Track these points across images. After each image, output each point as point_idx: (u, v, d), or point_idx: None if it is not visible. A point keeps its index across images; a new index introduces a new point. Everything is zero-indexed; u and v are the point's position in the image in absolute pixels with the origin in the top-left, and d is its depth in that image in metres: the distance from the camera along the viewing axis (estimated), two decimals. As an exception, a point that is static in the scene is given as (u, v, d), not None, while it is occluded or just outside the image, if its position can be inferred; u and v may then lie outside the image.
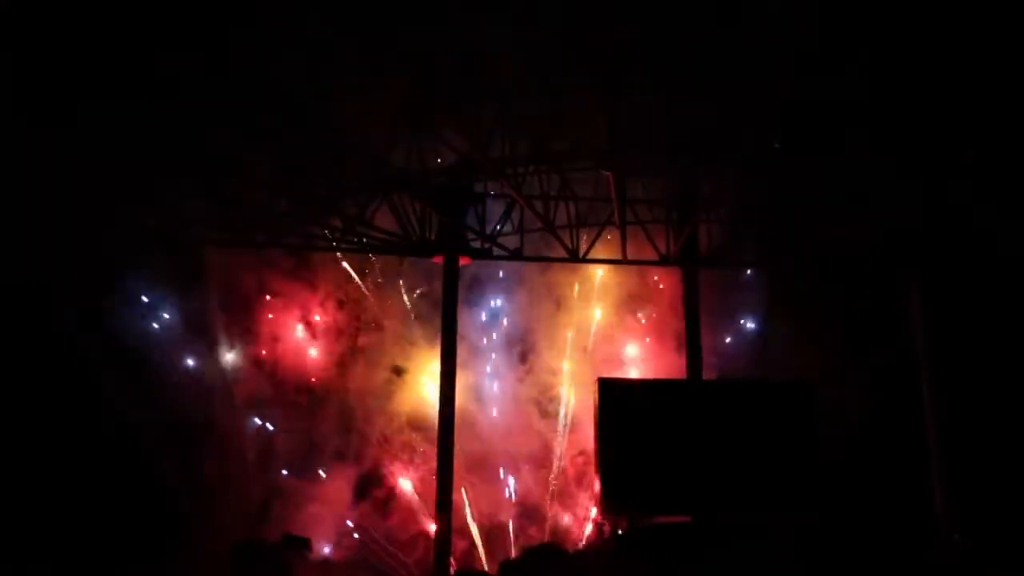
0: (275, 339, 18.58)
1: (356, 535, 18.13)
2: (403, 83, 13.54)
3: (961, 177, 13.63)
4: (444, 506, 15.47)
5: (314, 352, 18.88)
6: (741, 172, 14.75)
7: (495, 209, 16.71)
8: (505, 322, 19.59)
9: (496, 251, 16.51)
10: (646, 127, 13.67)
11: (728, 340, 19.13)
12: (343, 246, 16.64)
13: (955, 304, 15.35)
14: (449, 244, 16.15)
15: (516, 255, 16.60)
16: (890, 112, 12.64)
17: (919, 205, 14.43)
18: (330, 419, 18.63)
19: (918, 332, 15.63)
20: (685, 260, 16.31)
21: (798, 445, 13.43)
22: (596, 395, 13.54)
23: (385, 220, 16.09)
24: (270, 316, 18.55)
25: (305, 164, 15.17)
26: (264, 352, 18.57)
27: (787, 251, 16.29)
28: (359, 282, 18.99)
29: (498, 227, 16.54)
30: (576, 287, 19.26)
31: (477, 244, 16.44)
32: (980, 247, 14.64)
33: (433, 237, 16.11)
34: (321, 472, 18.30)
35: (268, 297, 18.52)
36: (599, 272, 19.02)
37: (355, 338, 18.88)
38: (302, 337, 18.82)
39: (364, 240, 16.26)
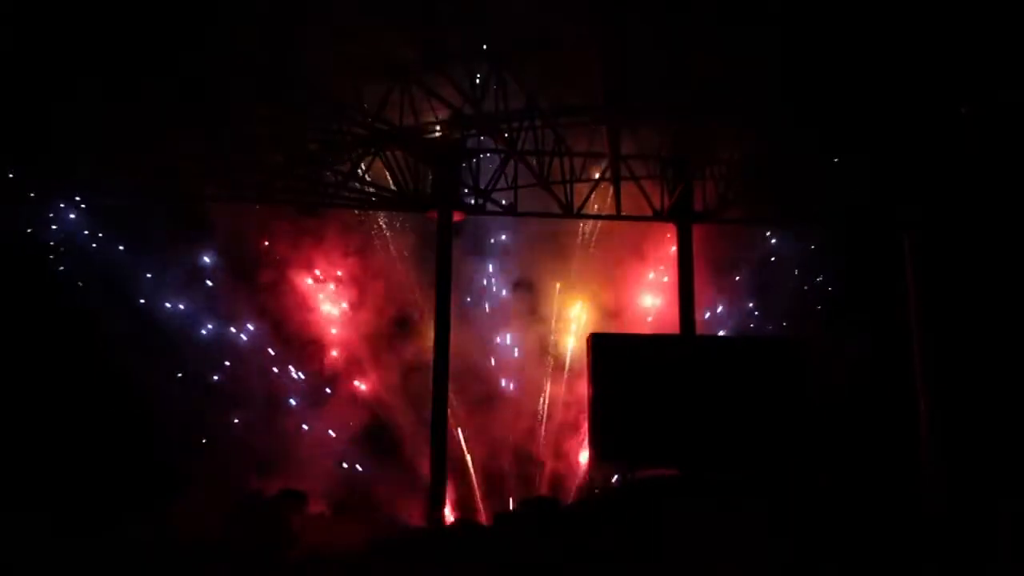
0: (279, 289, 18.61)
1: (355, 485, 18.36)
2: (397, 37, 13.33)
3: (960, 133, 13.49)
4: (438, 456, 15.64)
5: (319, 301, 18.95)
6: (737, 127, 14.58)
7: (490, 164, 16.60)
8: (509, 271, 19.67)
9: (490, 206, 16.45)
10: (642, 81, 13.50)
11: (725, 296, 19.13)
12: (336, 202, 16.57)
13: (948, 261, 15.29)
14: (443, 200, 16.11)
15: (510, 210, 16.55)
16: (890, 65, 12.45)
17: (917, 164, 14.29)
18: (333, 369, 18.78)
19: (911, 288, 15.62)
20: (679, 216, 16.22)
21: (792, 403, 13.25)
22: (588, 351, 13.53)
23: (379, 175, 16.04)
24: (275, 266, 18.58)
25: (298, 120, 15.04)
26: (268, 302, 18.62)
27: (784, 208, 16.19)
28: (364, 233, 19.00)
29: (492, 182, 16.43)
30: (584, 237, 19.24)
31: (471, 199, 16.39)
32: (977, 208, 14.50)
33: (427, 192, 16.07)
34: (322, 423, 18.49)
35: (273, 247, 18.55)
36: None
37: (360, 288, 18.92)
38: (307, 286, 18.88)
39: (358, 196, 16.20)
